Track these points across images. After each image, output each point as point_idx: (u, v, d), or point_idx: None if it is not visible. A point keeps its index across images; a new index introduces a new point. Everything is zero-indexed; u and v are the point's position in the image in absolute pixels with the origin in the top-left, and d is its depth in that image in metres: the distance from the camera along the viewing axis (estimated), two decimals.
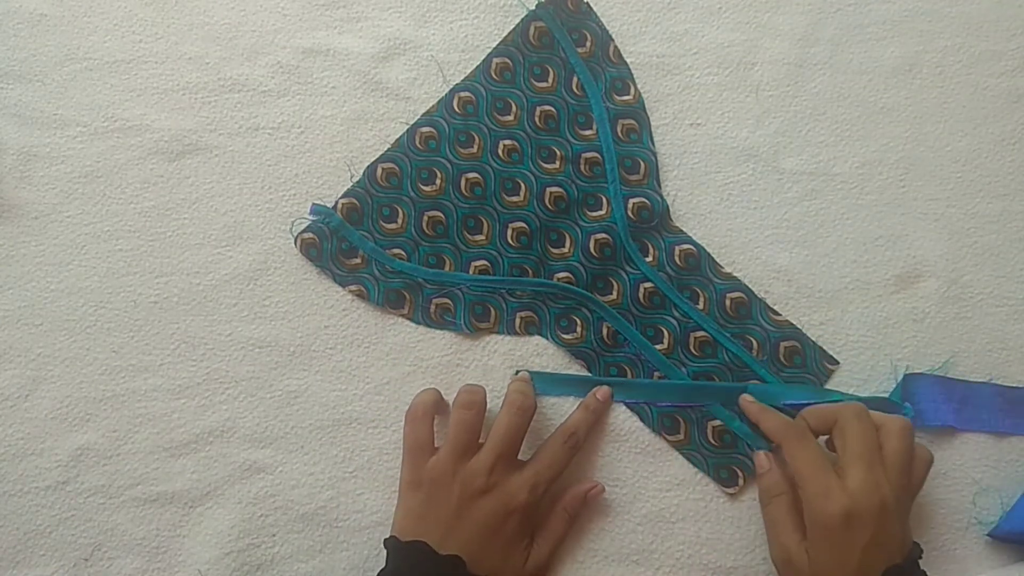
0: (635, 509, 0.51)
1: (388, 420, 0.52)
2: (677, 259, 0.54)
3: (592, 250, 0.53)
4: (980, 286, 0.54)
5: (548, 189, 0.54)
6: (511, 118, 0.55)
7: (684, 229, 0.54)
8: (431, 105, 0.55)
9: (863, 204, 0.55)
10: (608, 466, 0.52)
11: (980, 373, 0.53)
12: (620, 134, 0.55)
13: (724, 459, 0.52)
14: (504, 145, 0.54)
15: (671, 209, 0.54)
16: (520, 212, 0.54)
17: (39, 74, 0.55)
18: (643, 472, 0.52)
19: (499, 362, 0.53)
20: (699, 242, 0.54)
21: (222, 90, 0.55)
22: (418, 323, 0.53)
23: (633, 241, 0.54)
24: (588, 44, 0.56)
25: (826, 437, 0.49)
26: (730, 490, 0.51)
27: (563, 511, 0.50)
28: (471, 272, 0.53)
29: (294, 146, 0.55)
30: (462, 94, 0.55)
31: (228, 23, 0.56)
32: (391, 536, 0.47)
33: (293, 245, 0.53)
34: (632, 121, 0.55)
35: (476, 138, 0.54)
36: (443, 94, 0.55)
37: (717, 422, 0.52)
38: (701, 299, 0.53)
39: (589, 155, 0.54)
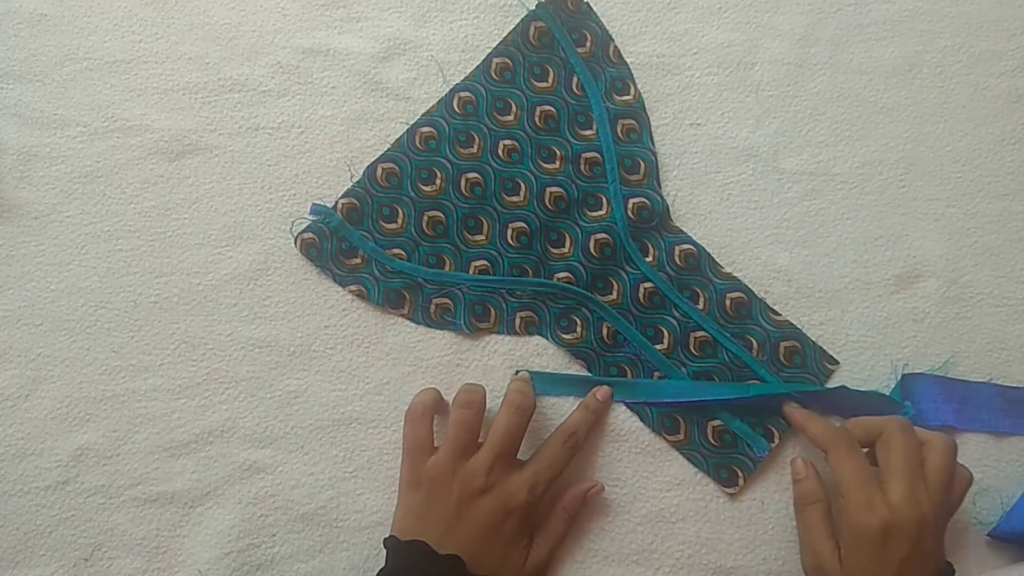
0: (635, 509, 0.51)
1: (388, 420, 0.52)
2: (677, 259, 0.54)
3: (592, 250, 0.53)
4: (980, 286, 0.54)
5: (548, 189, 0.54)
6: (511, 118, 0.55)
7: (684, 229, 0.54)
8: (431, 105, 0.55)
9: (863, 204, 0.55)
10: (608, 466, 0.52)
11: (980, 373, 0.53)
12: (620, 134, 0.55)
13: (724, 459, 0.52)
14: (504, 145, 0.54)
15: (671, 209, 0.54)
16: (520, 212, 0.54)
17: (39, 74, 0.55)
18: (643, 472, 0.52)
19: (499, 362, 0.53)
20: (699, 242, 0.54)
21: (222, 90, 0.55)
22: (418, 323, 0.53)
23: (633, 241, 0.54)
24: (588, 44, 0.56)
25: (866, 448, 0.48)
26: (730, 490, 0.51)
27: (563, 511, 0.50)
28: (471, 272, 0.53)
29: (294, 146, 0.55)
30: (462, 94, 0.55)
31: (228, 23, 0.56)
32: (390, 536, 0.47)
33: (293, 245, 0.53)
34: (632, 121, 0.55)
35: (476, 138, 0.54)
36: (443, 94, 0.55)
37: (717, 422, 0.52)
38: (701, 299, 0.53)
39: (589, 155, 0.54)
